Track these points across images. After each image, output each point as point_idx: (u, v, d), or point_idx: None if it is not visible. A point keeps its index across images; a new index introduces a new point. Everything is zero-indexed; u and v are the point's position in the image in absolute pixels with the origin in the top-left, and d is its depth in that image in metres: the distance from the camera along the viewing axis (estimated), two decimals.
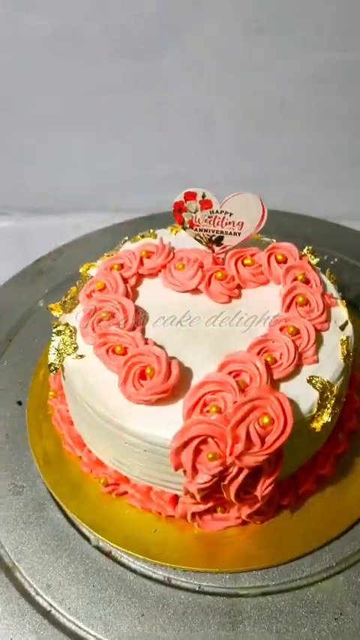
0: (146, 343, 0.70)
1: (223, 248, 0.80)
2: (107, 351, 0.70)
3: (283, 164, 1.39)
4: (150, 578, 0.70)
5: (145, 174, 1.40)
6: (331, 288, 0.79)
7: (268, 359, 0.69)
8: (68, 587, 0.69)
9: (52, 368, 0.74)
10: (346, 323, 0.75)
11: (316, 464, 0.76)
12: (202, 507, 0.70)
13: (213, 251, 0.80)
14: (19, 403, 0.86)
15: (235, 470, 0.64)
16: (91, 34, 1.24)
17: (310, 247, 0.83)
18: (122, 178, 1.42)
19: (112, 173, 1.43)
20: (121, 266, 0.80)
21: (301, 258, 0.80)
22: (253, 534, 0.73)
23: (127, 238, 0.87)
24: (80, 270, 0.83)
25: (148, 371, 0.67)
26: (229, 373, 0.67)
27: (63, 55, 1.28)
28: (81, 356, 0.72)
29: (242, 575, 0.70)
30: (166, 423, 0.65)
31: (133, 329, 0.73)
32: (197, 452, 0.63)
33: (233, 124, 1.37)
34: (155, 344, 0.71)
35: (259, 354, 0.69)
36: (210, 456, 0.63)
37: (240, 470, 0.64)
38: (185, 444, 0.63)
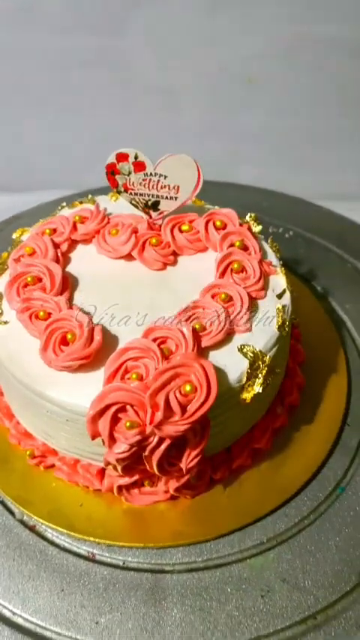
0: (70, 309, 0.67)
1: (160, 214, 0.77)
2: (30, 316, 0.67)
3: (252, 143, 1.36)
4: (73, 553, 0.68)
5: (107, 153, 1.36)
6: (272, 256, 0.76)
7: (197, 326, 0.66)
8: None
9: None
10: (283, 291, 0.72)
11: (252, 438, 0.73)
12: (127, 480, 0.67)
13: (150, 217, 0.77)
14: None
15: (155, 440, 0.61)
16: (53, 7, 1.21)
17: (252, 214, 0.80)
18: (84, 156, 1.37)
19: (74, 151, 1.40)
20: (54, 231, 0.77)
21: (241, 225, 0.77)
22: (183, 509, 0.70)
23: (64, 204, 0.83)
24: (13, 236, 0.80)
25: (69, 336, 0.64)
26: (154, 340, 0.64)
27: (24, 29, 1.25)
28: (5, 322, 0.69)
29: (169, 550, 0.67)
30: (88, 391, 0.62)
31: (59, 294, 0.70)
32: (115, 420, 0.60)
33: (199, 102, 1.34)
34: (82, 310, 0.68)
35: (187, 320, 0.66)
36: (128, 424, 0.60)
37: (161, 440, 0.61)
38: (102, 412, 0.60)
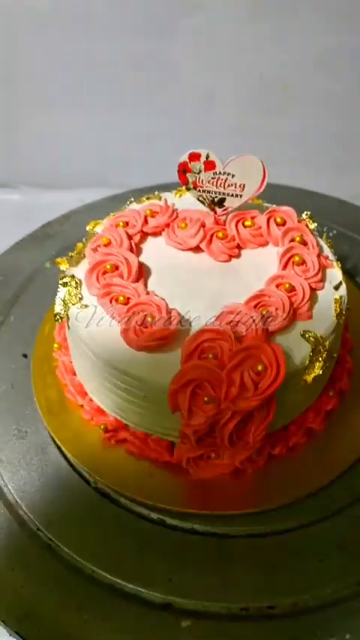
0: (148, 294, 0.74)
1: (225, 210, 0.83)
2: (111, 300, 0.74)
3: (286, 146, 1.41)
4: (146, 518, 0.74)
5: (148, 152, 1.42)
6: (327, 251, 0.82)
7: (264, 312, 0.72)
8: (67, 523, 0.73)
9: (58, 317, 0.77)
10: (340, 283, 0.78)
11: (306, 418, 0.79)
12: (196, 453, 0.73)
13: (215, 212, 0.83)
14: (25, 356, 0.90)
15: (228, 414, 0.67)
16: (100, 10, 1.27)
17: (308, 212, 0.86)
18: (126, 155, 1.45)
19: (116, 150, 1.46)
20: (126, 224, 0.83)
21: (299, 222, 0.83)
22: (244, 482, 0.76)
23: (132, 199, 0.90)
24: (87, 228, 0.86)
25: (149, 319, 0.71)
26: (227, 324, 0.70)
27: (72, 32, 1.31)
28: (85, 306, 0.75)
29: (233, 518, 0.73)
30: (166, 368, 0.69)
31: (135, 281, 0.76)
32: (194, 395, 0.67)
33: (237, 106, 1.40)
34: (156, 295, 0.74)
35: (255, 307, 0.72)
36: (206, 399, 0.66)
37: (233, 414, 0.67)
38: (183, 387, 0.66)
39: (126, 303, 0.73)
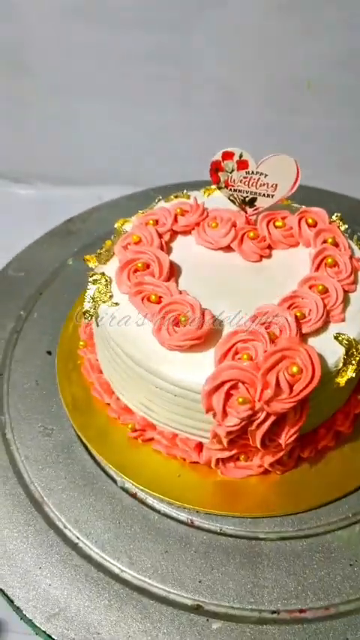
0: (180, 294, 0.73)
1: (256, 209, 0.82)
2: (142, 299, 0.73)
3: (307, 145, 1.38)
4: (173, 519, 0.73)
5: (167, 149, 1.40)
6: (359, 253, 0.81)
7: (298, 314, 0.71)
8: (95, 522, 0.72)
9: (87, 315, 0.77)
10: None
11: (335, 421, 0.79)
12: (226, 454, 0.73)
13: (246, 212, 0.83)
14: (49, 353, 0.89)
15: (262, 415, 0.66)
16: (119, 3, 1.24)
17: (339, 214, 0.85)
18: (144, 151, 1.43)
19: (134, 146, 1.43)
20: (156, 222, 0.82)
21: (330, 223, 0.82)
22: (273, 484, 0.75)
23: (160, 197, 0.89)
24: (115, 225, 0.85)
25: (182, 318, 0.70)
26: (261, 324, 0.70)
27: (91, 25, 1.28)
28: (116, 303, 0.75)
29: (262, 520, 0.73)
30: (198, 368, 0.68)
31: (167, 280, 0.75)
32: (228, 396, 0.66)
33: (258, 102, 1.37)
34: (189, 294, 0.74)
35: (289, 308, 0.72)
36: (240, 400, 0.66)
37: (267, 415, 0.67)
38: (217, 388, 0.66)
39: (158, 302, 0.73)
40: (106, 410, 0.81)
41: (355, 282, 0.77)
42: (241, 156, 0.78)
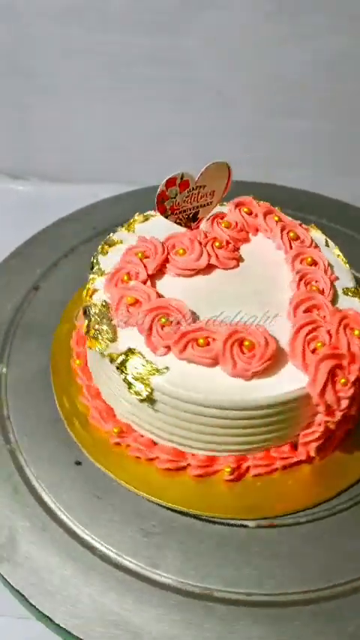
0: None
1: (198, 222, 0.83)
2: (192, 347, 0.70)
3: (299, 148, 1.39)
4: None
5: (160, 149, 1.38)
6: (294, 220, 0.89)
7: (315, 288, 0.77)
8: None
9: (139, 398, 0.71)
10: (326, 241, 0.86)
11: None
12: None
13: (191, 228, 0.83)
14: None
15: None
16: (116, 5, 1.22)
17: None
18: (138, 151, 1.40)
19: (128, 146, 1.41)
20: (129, 275, 0.78)
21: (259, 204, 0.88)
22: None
23: (96, 253, 0.83)
24: (84, 303, 0.78)
25: (246, 343, 0.70)
26: (305, 312, 0.74)
27: (87, 26, 1.26)
28: (167, 368, 0.71)
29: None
30: (280, 380, 0.70)
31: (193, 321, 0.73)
32: (334, 383, 0.70)
33: (251, 104, 1.36)
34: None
35: (306, 287, 0.77)
36: (343, 381, 0.70)
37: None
38: (325, 383, 0.69)
39: (207, 344, 0.71)
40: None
41: (316, 247, 0.85)
42: (182, 177, 0.78)
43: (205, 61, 1.31)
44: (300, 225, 0.86)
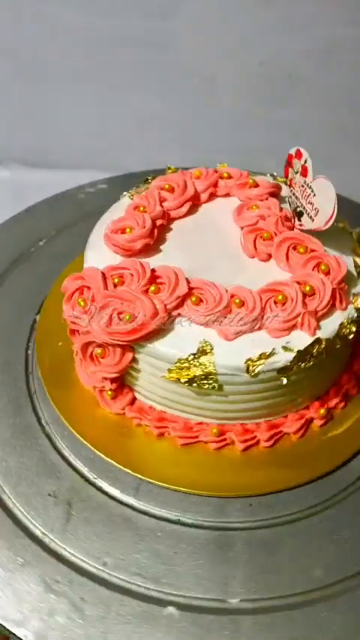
0: (158, 219, 0.79)
1: (300, 225, 0.78)
2: (134, 205, 0.81)
3: (286, 137, 1.12)
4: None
5: (145, 135, 1.34)
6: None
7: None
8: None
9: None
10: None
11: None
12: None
13: (293, 222, 0.79)
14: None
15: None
16: None
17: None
18: (122, 137, 1.37)
19: (112, 131, 1.38)
20: (230, 176, 0.86)
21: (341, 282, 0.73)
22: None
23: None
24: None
25: (127, 230, 0.77)
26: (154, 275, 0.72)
27: (70, 6, 1.24)
28: (132, 199, 0.85)
29: None
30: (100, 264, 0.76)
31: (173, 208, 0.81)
32: (80, 291, 0.73)
33: (238, 93, 1.31)
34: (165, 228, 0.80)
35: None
36: (80, 300, 0.72)
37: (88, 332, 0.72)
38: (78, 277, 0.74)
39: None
40: None
41: (286, 331, 0.70)
42: (306, 161, 0.75)
43: (193, 46, 1.17)
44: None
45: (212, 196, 0.85)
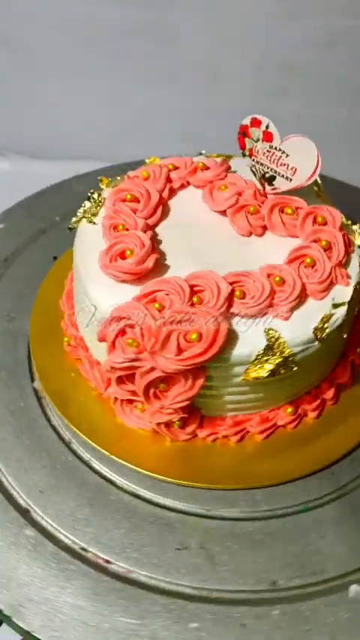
0: (146, 231, 0.74)
1: (274, 189, 0.79)
2: (111, 226, 0.75)
3: (287, 128, 1.28)
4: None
5: (146, 127, 1.36)
6: (354, 270, 0.75)
7: (237, 292, 0.69)
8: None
9: (69, 227, 0.80)
10: (341, 304, 0.71)
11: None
12: (120, 393, 0.72)
13: (264, 188, 0.80)
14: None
15: (147, 366, 0.66)
16: None
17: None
18: (122, 129, 1.38)
19: (113, 123, 1.40)
20: (175, 167, 0.83)
21: (341, 229, 0.76)
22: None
23: (203, 152, 0.89)
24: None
25: (127, 252, 0.71)
26: (192, 285, 0.68)
27: None
28: (94, 223, 0.78)
29: None
30: (120, 298, 0.69)
31: (148, 218, 0.76)
32: (123, 332, 0.67)
33: (239, 84, 1.31)
34: (155, 239, 0.75)
35: (232, 283, 0.69)
36: (130, 340, 0.66)
37: (152, 368, 0.66)
38: (116, 319, 0.66)
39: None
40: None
41: (324, 291, 0.72)
42: (267, 126, 0.75)
43: (194, 37, 1.18)
44: (337, 268, 0.73)
45: (172, 192, 0.82)
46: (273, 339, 0.67)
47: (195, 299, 0.67)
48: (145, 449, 0.73)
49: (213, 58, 1.32)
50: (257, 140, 0.77)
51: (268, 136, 0.76)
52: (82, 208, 0.80)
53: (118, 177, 0.84)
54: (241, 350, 0.67)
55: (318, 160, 0.74)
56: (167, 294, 0.68)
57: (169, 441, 0.73)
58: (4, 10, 1.28)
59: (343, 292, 0.73)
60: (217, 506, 0.70)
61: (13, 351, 0.83)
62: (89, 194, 0.81)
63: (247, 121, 0.77)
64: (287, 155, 0.75)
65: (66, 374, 0.79)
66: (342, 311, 0.71)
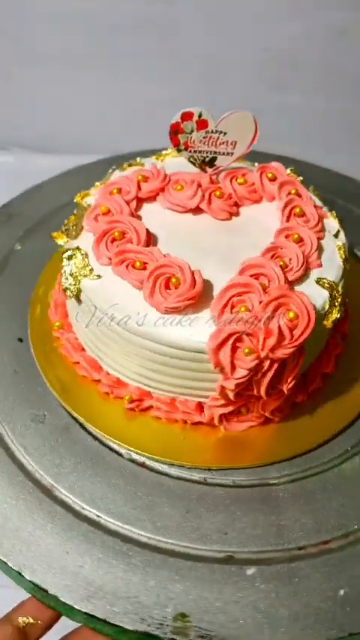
0: (165, 257, 0.73)
1: (216, 169, 0.83)
2: (127, 266, 0.72)
3: (289, 123, 1.37)
4: (187, 480, 0.74)
5: (147, 121, 1.31)
6: (319, 202, 0.85)
7: (281, 263, 0.73)
8: (112, 497, 0.71)
9: (69, 293, 0.75)
10: (338, 231, 0.81)
11: (320, 363, 0.82)
12: (229, 409, 0.74)
13: (206, 172, 0.83)
14: (20, 340, 0.86)
15: (267, 363, 0.68)
16: None
17: (292, 168, 0.88)
18: (124, 123, 1.39)
19: (115, 117, 1.41)
20: (120, 190, 0.81)
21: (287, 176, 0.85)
22: (273, 432, 0.78)
23: (115, 167, 0.88)
24: (75, 200, 0.83)
25: (173, 280, 0.70)
26: (250, 276, 0.71)
27: None
28: (99, 276, 0.73)
29: (270, 467, 0.75)
30: (196, 328, 0.69)
31: (147, 246, 0.75)
32: (234, 349, 0.67)
33: (242, 78, 1.35)
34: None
35: (272, 258, 0.74)
36: (246, 351, 0.67)
37: (272, 363, 0.68)
38: (223, 343, 0.67)
39: (143, 269, 0.72)
40: (97, 387, 0.80)
41: (322, 230, 0.80)
42: (200, 115, 0.78)
43: (195, 31, 1.26)
44: (317, 207, 0.82)
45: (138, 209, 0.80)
46: (328, 285, 0.75)
47: (263, 286, 0.71)
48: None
49: (214, 52, 1.27)
50: (191, 132, 0.79)
51: (202, 124, 0.79)
52: (69, 271, 0.75)
53: (66, 227, 0.80)
54: (317, 306, 0.73)
55: (256, 126, 0.80)
56: (240, 295, 0.69)
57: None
58: (6, 5, 1.24)
59: (330, 224, 0.82)
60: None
61: None
62: (66, 257, 0.75)
63: (176, 119, 0.78)
64: (225, 133, 0.80)
65: None
66: (343, 237, 0.81)
